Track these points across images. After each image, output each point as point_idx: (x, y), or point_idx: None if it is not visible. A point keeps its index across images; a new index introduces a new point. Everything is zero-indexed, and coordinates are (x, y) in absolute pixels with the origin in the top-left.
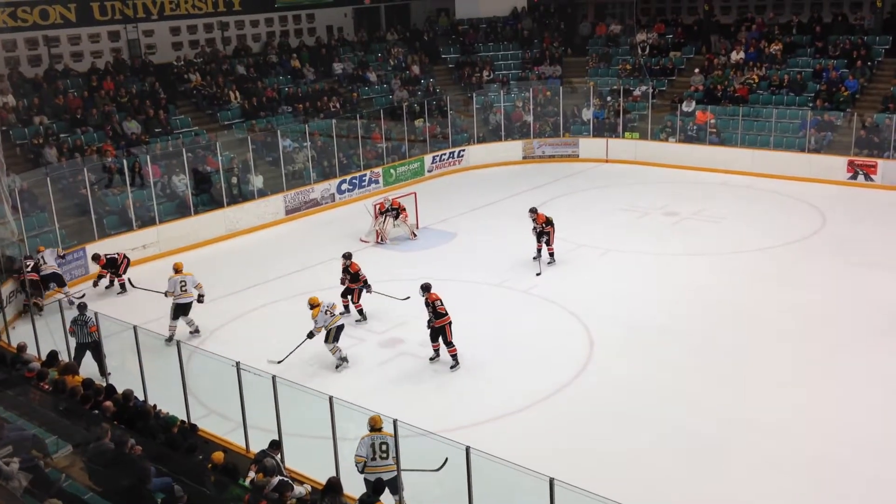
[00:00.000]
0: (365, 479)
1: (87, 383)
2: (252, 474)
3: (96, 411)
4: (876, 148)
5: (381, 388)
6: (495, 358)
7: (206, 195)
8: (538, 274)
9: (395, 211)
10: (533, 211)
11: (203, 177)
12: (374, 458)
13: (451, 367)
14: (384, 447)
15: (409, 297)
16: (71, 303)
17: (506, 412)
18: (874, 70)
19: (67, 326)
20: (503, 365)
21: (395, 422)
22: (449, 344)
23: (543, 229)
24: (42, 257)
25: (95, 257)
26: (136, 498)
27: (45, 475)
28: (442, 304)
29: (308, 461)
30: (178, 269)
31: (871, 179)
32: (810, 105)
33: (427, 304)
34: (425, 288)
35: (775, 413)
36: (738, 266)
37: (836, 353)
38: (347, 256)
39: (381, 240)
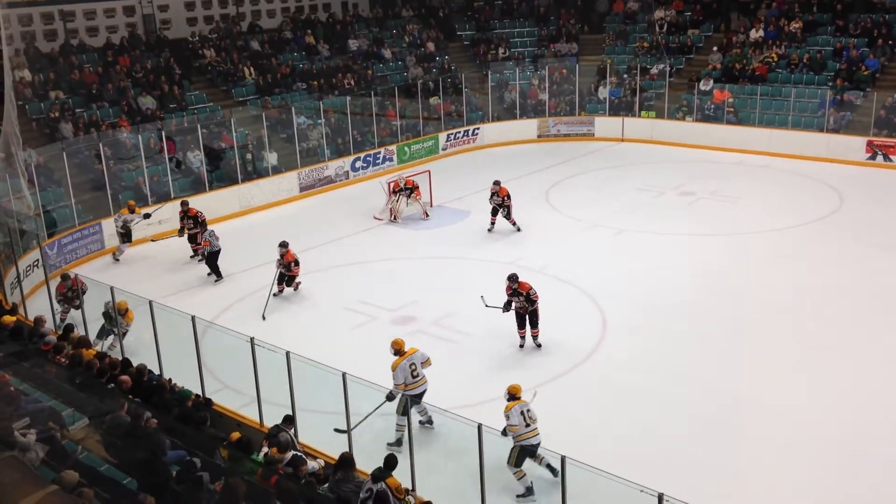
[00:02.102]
0: (521, 447)
1: (101, 356)
2: (265, 449)
3: (111, 385)
4: None
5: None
6: (508, 336)
7: (220, 171)
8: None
9: (409, 190)
10: (497, 183)
11: (215, 154)
12: (527, 426)
13: (539, 346)
14: (530, 413)
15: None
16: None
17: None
18: (895, 49)
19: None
20: (516, 343)
21: (407, 399)
22: (536, 325)
23: (504, 202)
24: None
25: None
26: (151, 470)
27: (61, 447)
28: (536, 292)
29: (321, 436)
30: (399, 348)
31: (890, 160)
32: (830, 84)
33: (518, 294)
34: (514, 278)
35: (789, 394)
36: (754, 246)
37: (852, 335)
38: (283, 245)
39: (395, 218)
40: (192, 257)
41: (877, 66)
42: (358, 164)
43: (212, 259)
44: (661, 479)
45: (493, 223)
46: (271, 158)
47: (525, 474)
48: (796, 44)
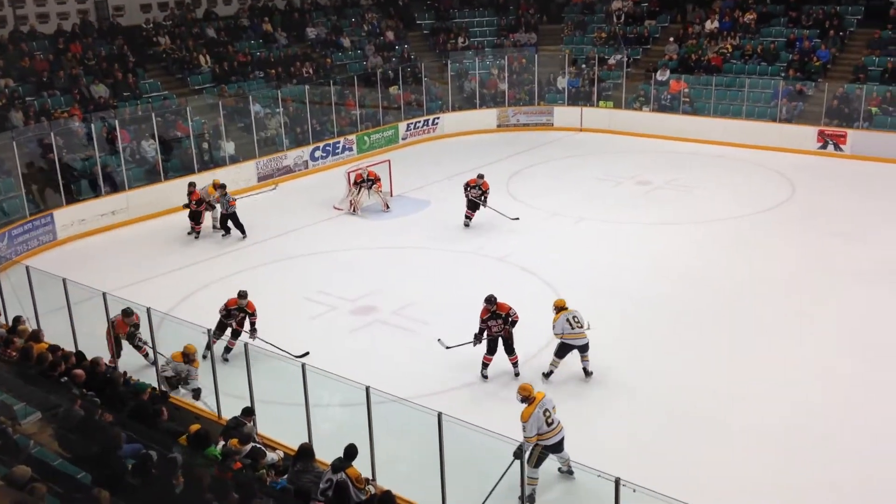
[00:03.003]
0: (562, 344)
1: (53, 348)
2: (222, 443)
3: (65, 379)
4: (846, 118)
5: (353, 355)
6: (468, 326)
7: (176, 161)
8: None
9: (371, 181)
10: (481, 177)
11: (168, 145)
12: (572, 329)
13: (517, 375)
14: (576, 319)
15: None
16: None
17: (478, 379)
18: (846, 40)
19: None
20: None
21: (367, 388)
22: (513, 351)
23: (483, 196)
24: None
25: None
26: (106, 464)
27: (13, 441)
28: (516, 312)
29: (280, 428)
30: (527, 394)
31: (841, 150)
32: (782, 75)
33: (497, 316)
34: (492, 300)
35: (750, 382)
36: (709, 235)
37: (806, 321)
38: (243, 295)
39: (354, 210)
40: (189, 234)
41: (828, 57)
42: (317, 153)
43: (234, 219)
44: (623, 468)
45: (469, 217)
46: (228, 148)
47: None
48: (750, 35)
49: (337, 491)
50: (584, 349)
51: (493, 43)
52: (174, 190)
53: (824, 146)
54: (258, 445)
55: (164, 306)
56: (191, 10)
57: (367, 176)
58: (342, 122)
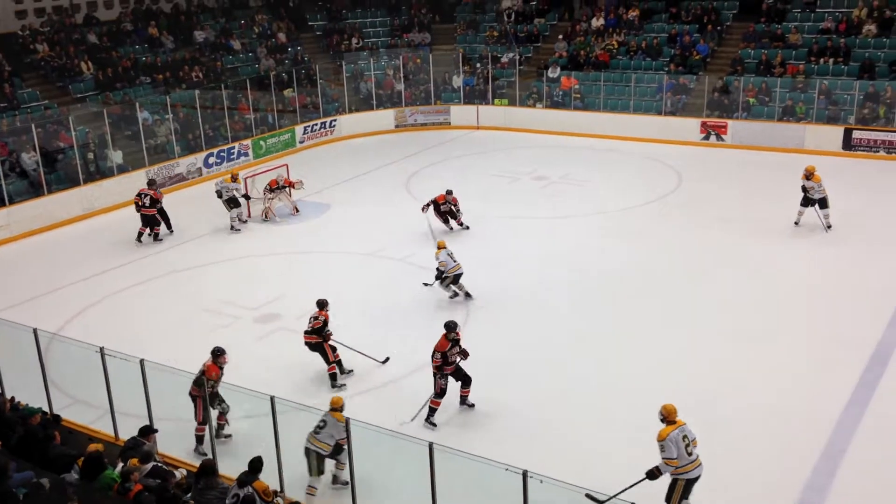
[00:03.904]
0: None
1: None
2: (120, 465)
3: None
4: (726, 110)
5: (256, 365)
6: (374, 328)
7: (59, 173)
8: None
9: (284, 187)
10: (450, 192)
11: (50, 157)
12: (453, 262)
13: (472, 406)
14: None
15: (388, 359)
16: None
17: (384, 381)
18: (723, 34)
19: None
20: (381, 334)
21: (272, 398)
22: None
23: (457, 209)
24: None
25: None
26: None
27: None
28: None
29: (181, 445)
30: (668, 415)
31: (722, 139)
32: (666, 69)
33: (455, 343)
34: (451, 327)
35: (641, 365)
36: (603, 226)
37: (690, 302)
38: (323, 304)
39: (266, 216)
40: (140, 239)
41: (707, 51)
42: (211, 160)
43: (161, 213)
44: (524, 455)
45: (451, 227)
46: (116, 157)
47: None
48: (634, 31)
49: None
50: (459, 278)
51: (388, 43)
52: (59, 203)
53: (707, 137)
54: (159, 464)
55: (53, 326)
56: (69, 16)
57: (283, 183)
58: (236, 127)
